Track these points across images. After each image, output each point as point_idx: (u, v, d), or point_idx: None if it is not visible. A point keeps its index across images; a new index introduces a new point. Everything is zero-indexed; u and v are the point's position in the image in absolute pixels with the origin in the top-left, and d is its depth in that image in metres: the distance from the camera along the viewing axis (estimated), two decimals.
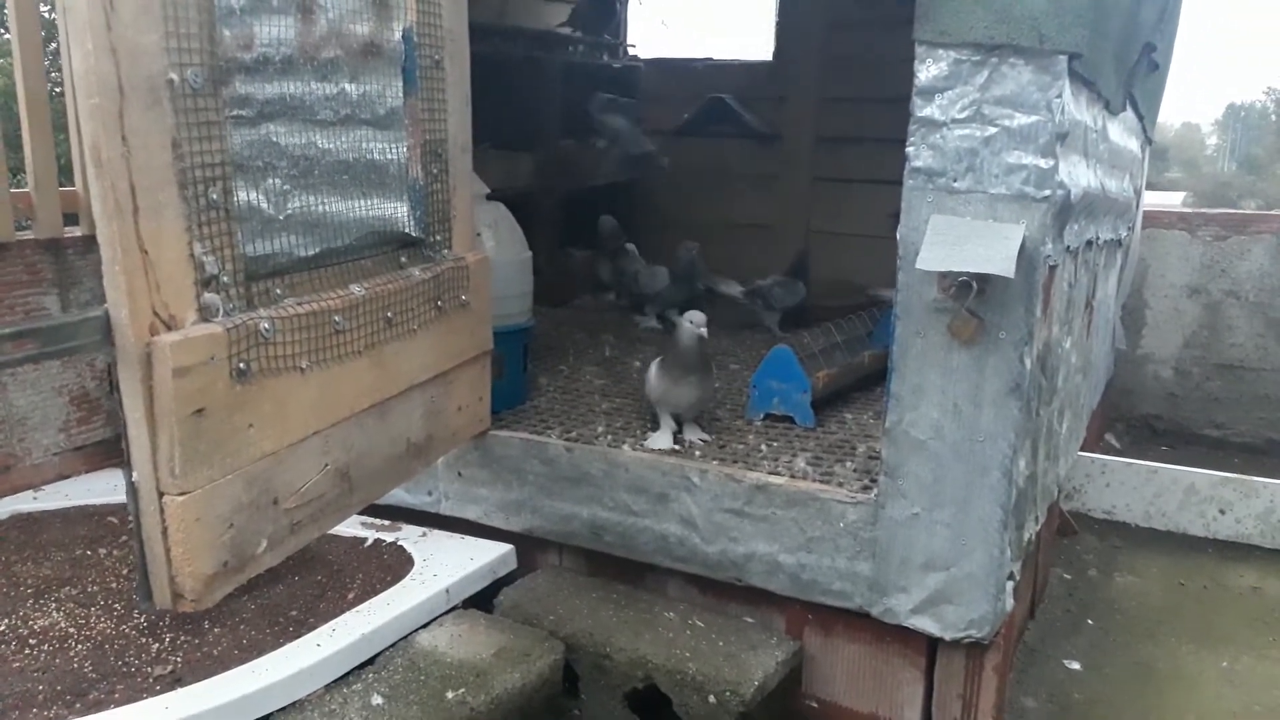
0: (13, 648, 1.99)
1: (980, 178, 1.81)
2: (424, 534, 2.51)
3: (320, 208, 2.51)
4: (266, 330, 1.61)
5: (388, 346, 1.97)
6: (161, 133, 1.46)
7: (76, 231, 2.97)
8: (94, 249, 3.00)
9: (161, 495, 1.46)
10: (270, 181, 2.68)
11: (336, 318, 1.80)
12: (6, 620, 2.10)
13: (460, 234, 2.30)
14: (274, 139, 2.66)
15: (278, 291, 1.71)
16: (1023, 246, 1.75)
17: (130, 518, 1.49)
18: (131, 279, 1.43)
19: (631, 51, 5.18)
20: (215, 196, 1.55)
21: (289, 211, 2.65)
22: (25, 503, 2.77)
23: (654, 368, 2.55)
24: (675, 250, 4.04)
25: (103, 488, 2.86)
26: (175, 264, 1.49)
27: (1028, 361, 1.84)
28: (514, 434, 2.50)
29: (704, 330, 2.43)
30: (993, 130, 1.80)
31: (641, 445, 2.43)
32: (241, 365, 1.56)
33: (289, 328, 1.67)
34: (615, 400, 2.92)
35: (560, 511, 2.40)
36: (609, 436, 2.53)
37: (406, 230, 2.15)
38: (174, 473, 1.45)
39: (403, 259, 2.11)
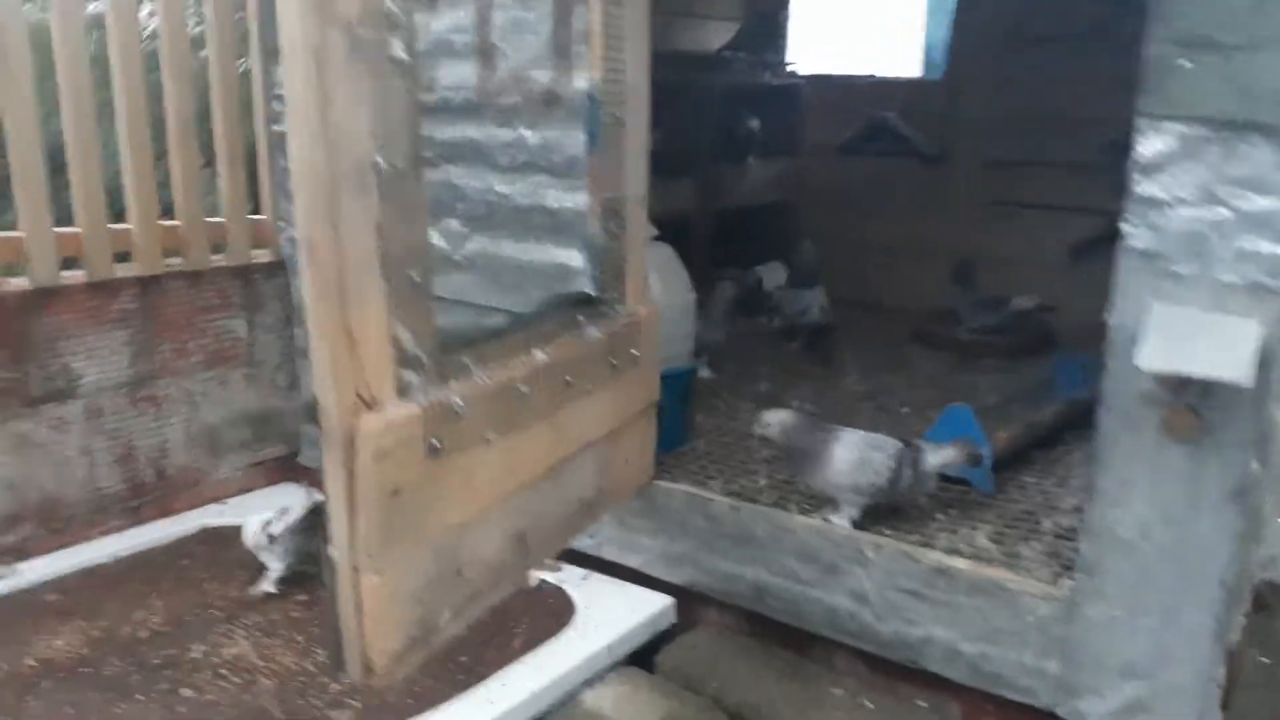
0: (207, 678, 2.10)
1: (1208, 264, 1.66)
2: (585, 577, 2.52)
3: (497, 250, 2.53)
4: (459, 407, 1.63)
5: (565, 409, 1.97)
6: (368, 218, 1.48)
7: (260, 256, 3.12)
8: (278, 274, 3.16)
9: (357, 573, 1.49)
10: (449, 222, 2.73)
11: (521, 386, 1.81)
12: (200, 646, 2.22)
13: (633, 287, 2.28)
14: (453, 180, 2.71)
15: (467, 363, 1.73)
16: None
17: (327, 590, 1.54)
18: (338, 365, 1.46)
19: (791, 69, 5.07)
20: (416, 277, 1.58)
21: (466, 252, 2.69)
22: (213, 516, 2.93)
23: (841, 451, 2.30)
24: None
25: (284, 501, 2.98)
26: (377, 345, 1.52)
27: (1255, 465, 1.68)
28: (676, 485, 2.47)
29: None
30: (1225, 213, 1.64)
31: (809, 506, 2.37)
32: (435, 443, 1.58)
33: (479, 401, 1.68)
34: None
35: (723, 569, 2.37)
36: (773, 492, 2.48)
37: (584, 289, 2.15)
38: (370, 552, 1.49)
39: (580, 318, 2.10)
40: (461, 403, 1.63)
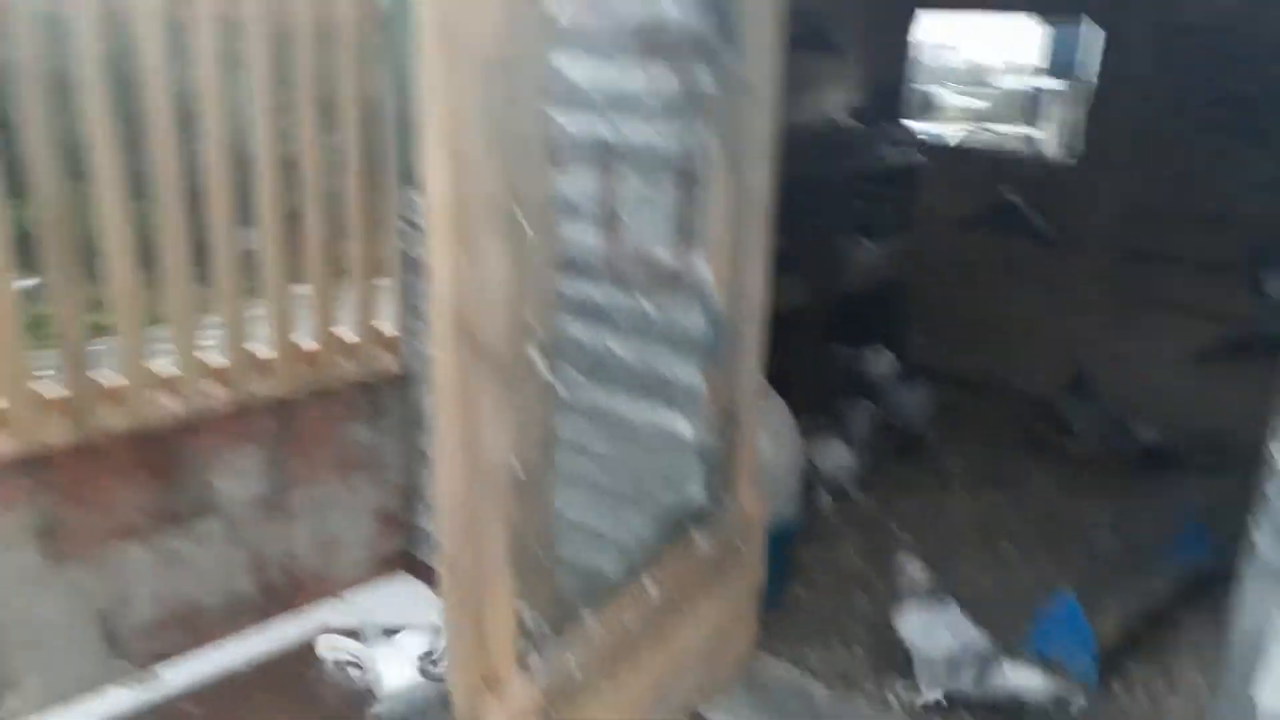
0: None
1: None
2: None
3: (612, 404, 2.59)
4: (577, 677, 1.72)
5: (672, 629, 2.05)
6: (504, 525, 1.57)
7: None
8: (400, 386, 3.30)
9: None
10: (564, 367, 2.81)
11: (632, 627, 1.89)
12: None
13: (744, 485, 2.33)
14: (572, 333, 2.78)
15: (584, 615, 1.81)
16: None
17: None
18: (467, 660, 1.56)
19: (911, 142, 4.95)
20: (542, 560, 1.66)
21: (583, 401, 2.76)
22: (333, 612, 3.12)
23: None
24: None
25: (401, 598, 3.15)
26: (502, 628, 1.62)
27: None
28: (775, 664, 2.52)
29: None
30: None
31: (906, 688, 2.40)
32: (554, 714, 1.68)
33: (594, 660, 1.77)
34: (877, 597, 2.87)
35: None
36: (871, 671, 2.51)
37: (697, 500, 2.20)
38: None
39: (691, 531, 2.16)
40: (579, 670, 1.72)
